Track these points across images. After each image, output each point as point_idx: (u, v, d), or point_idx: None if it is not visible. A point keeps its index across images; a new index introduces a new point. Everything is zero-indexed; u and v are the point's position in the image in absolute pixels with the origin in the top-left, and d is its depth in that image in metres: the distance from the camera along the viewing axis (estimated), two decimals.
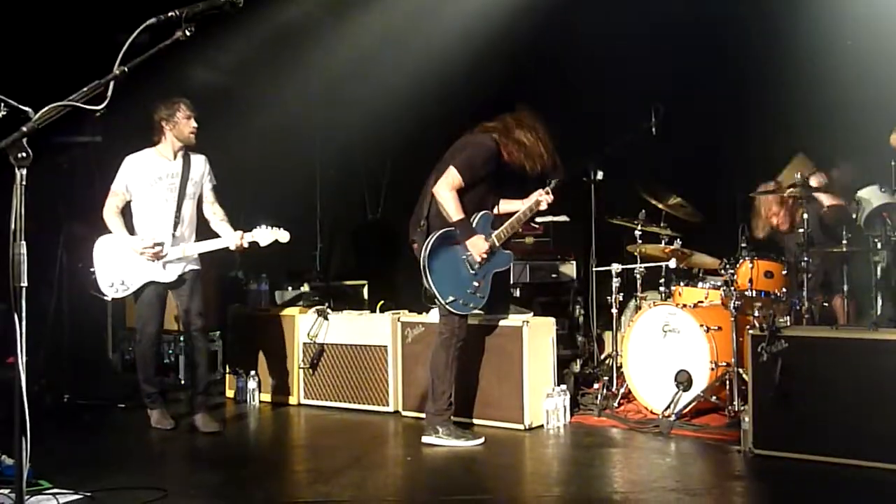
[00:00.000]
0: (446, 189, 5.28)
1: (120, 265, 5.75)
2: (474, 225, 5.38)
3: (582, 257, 7.78)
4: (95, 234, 5.87)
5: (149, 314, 5.83)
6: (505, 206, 5.74)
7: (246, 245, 5.76)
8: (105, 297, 5.80)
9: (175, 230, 5.75)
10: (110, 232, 5.75)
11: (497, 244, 5.45)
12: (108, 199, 5.74)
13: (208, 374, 6.08)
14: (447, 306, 5.29)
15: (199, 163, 5.94)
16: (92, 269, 5.78)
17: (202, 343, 5.96)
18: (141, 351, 5.91)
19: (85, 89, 2.52)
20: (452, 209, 5.28)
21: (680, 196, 6.91)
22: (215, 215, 5.98)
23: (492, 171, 5.42)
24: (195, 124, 5.81)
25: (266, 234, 5.75)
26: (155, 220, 5.75)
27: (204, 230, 5.95)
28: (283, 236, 5.81)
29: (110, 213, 5.70)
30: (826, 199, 6.47)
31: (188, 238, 5.85)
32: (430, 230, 5.31)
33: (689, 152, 7.87)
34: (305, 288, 7.29)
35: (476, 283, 5.36)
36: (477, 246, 5.36)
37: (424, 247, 5.23)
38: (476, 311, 5.49)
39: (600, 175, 7.14)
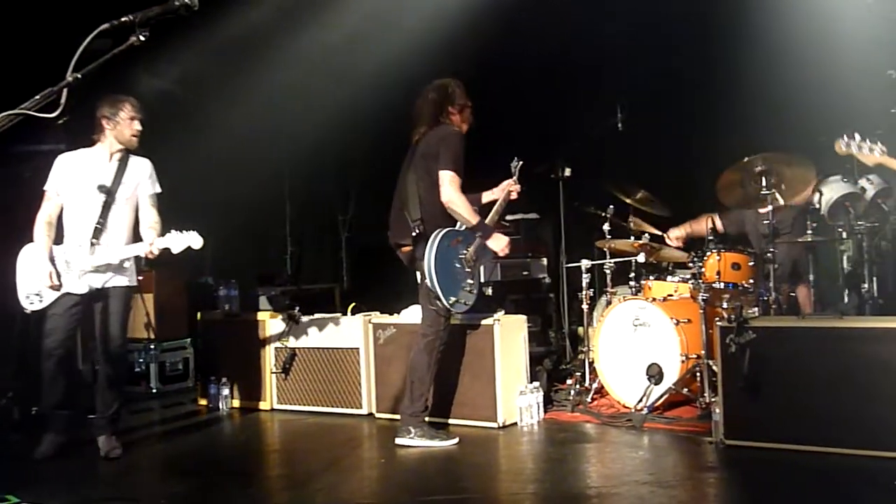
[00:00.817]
0: (457, 195, 5.22)
1: (36, 276, 5.28)
2: (463, 228, 5.36)
3: (553, 254, 7.79)
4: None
5: (53, 327, 5.30)
6: (485, 197, 5.74)
7: (156, 252, 5.28)
8: (26, 311, 5.35)
9: (96, 237, 5.29)
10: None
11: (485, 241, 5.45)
12: (42, 203, 5.33)
13: (116, 399, 5.55)
14: (450, 308, 5.28)
15: (140, 167, 5.51)
16: (16, 279, 5.40)
17: (113, 368, 5.49)
18: (44, 364, 5.32)
19: (37, 97, 2.48)
20: (469, 214, 5.27)
21: (647, 191, 6.94)
22: (144, 222, 5.51)
23: (467, 157, 5.41)
24: (139, 127, 5.40)
25: (178, 240, 5.28)
26: (77, 225, 5.31)
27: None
28: (196, 241, 5.29)
29: (41, 221, 5.30)
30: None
31: (117, 245, 5.38)
32: (427, 231, 5.26)
33: (655, 147, 7.91)
34: (275, 291, 7.23)
35: (470, 281, 5.35)
36: (500, 241, 5.38)
37: (429, 248, 5.16)
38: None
39: (568, 172, 7.16)
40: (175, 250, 5.28)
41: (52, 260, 5.27)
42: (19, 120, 2.49)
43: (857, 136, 4.75)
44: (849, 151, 4.83)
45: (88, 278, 5.33)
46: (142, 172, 5.52)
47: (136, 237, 5.46)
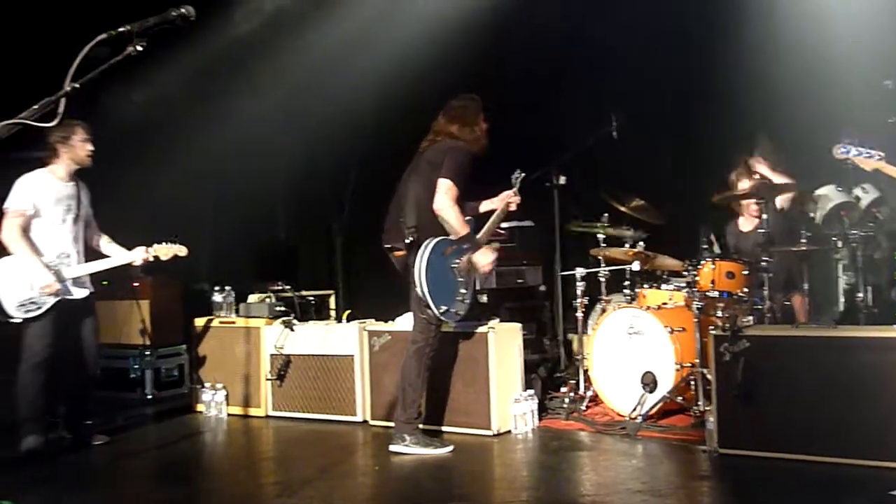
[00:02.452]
0: (448, 204, 5.23)
1: (28, 285, 5.50)
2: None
3: (547, 262, 7.80)
4: None
5: (42, 333, 5.52)
6: (483, 206, 5.76)
7: (151, 259, 5.88)
8: (12, 320, 5.48)
9: (74, 250, 5.71)
10: (6, 253, 5.54)
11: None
12: (8, 219, 5.50)
13: (91, 400, 6.02)
14: (441, 317, 5.29)
15: (85, 188, 5.88)
16: None
17: (91, 371, 5.89)
18: (25, 370, 5.49)
19: (36, 106, 2.49)
20: (458, 224, 5.27)
21: (642, 199, 6.96)
22: (101, 237, 6.02)
23: (470, 175, 5.43)
24: (91, 147, 5.73)
25: (166, 249, 5.91)
26: (53, 240, 5.63)
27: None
28: (182, 251, 5.97)
29: (17, 235, 5.47)
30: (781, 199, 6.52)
31: (80, 260, 5.77)
32: (421, 239, 5.26)
33: (650, 155, 7.94)
34: (270, 298, 7.23)
35: (463, 291, 5.36)
36: (486, 257, 5.38)
37: (419, 257, 5.17)
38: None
39: (563, 180, 7.17)
40: (163, 258, 5.90)
41: (48, 267, 5.53)
42: (18, 129, 2.50)
43: (856, 141, 4.76)
44: (847, 157, 4.85)
45: (77, 286, 5.72)
46: (87, 193, 5.91)
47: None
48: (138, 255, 5.85)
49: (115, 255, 5.93)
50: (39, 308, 5.50)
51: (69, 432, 5.86)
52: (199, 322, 7.31)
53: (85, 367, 5.86)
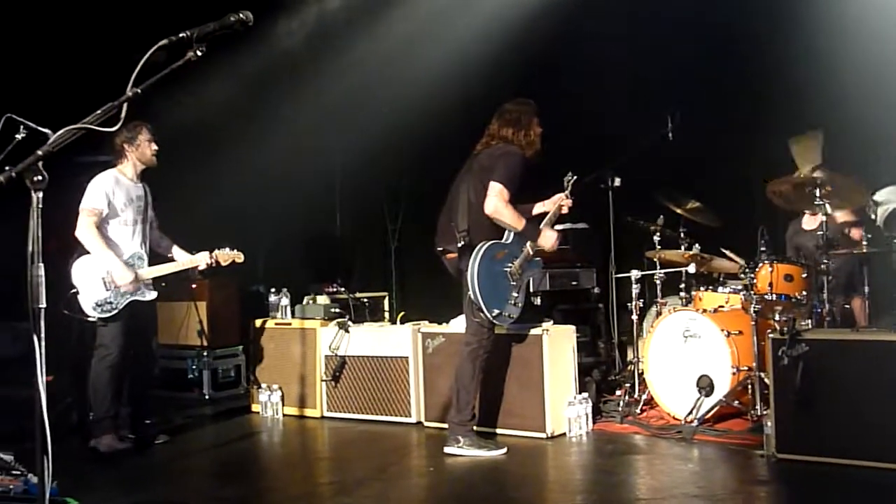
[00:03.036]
0: (501, 205, 5.27)
1: (103, 284, 5.62)
2: (510, 239, 5.38)
3: (602, 264, 7.75)
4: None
5: (116, 333, 5.66)
6: (536, 209, 5.76)
7: (213, 264, 6.04)
8: (89, 319, 5.60)
9: (145, 252, 5.85)
10: (86, 251, 5.62)
11: (531, 252, 5.46)
12: (84, 217, 5.58)
13: (149, 397, 6.23)
14: (494, 320, 5.31)
15: (148, 189, 5.98)
16: (74, 290, 5.59)
17: (151, 370, 6.24)
18: (101, 370, 5.65)
19: (99, 111, 2.55)
20: (514, 220, 5.31)
21: (699, 200, 6.89)
22: (164, 240, 6.16)
23: (523, 179, 5.43)
24: (156, 147, 5.86)
25: (227, 255, 6.09)
26: (127, 241, 5.75)
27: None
28: (240, 257, 6.16)
29: (94, 233, 5.57)
30: (840, 216, 6.38)
31: (148, 262, 5.87)
32: (473, 242, 5.29)
33: (706, 157, 7.85)
34: (326, 300, 7.30)
35: (516, 294, 5.37)
36: (549, 237, 5.44)
37: (472, 260, 5.20)
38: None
39: (618, 182, 7.13)
40: (223, 263, 6.07)
41: (127, 264, 5.67)
42: (81, 133, 2.56)
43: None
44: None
45: (148, 288, 5.84)
46: (149, 194, 6.01)
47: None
48: (202, 260, 6.00)
49: (180, 258, 6.07)
50: (115, 309, 5.63)
51: (132, 432, 5.95)
52: (256, 323, 7.40)
53: (147, 369, 6.08)
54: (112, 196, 5.67)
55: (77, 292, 5.59)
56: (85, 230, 5.57)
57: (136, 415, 6.01)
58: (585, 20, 8.03)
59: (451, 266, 5.49)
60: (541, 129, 5.56)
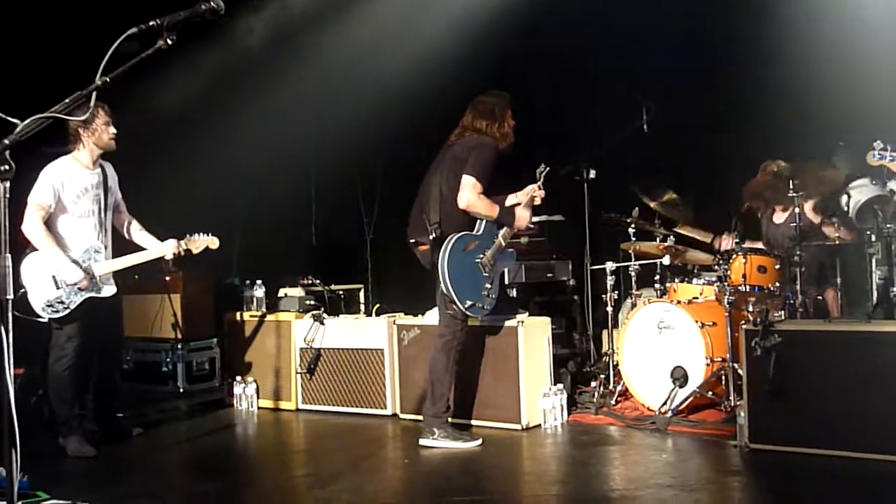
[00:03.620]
0: (475, 198, 5.28)
1: (54, 283, 5.34)
2: (482, 230, 5.39)
3: (577, 256, 7.77)
4: None
5: (73, 333, 5.41)
6: (508, 201, 5.75)
7: (182, 252, 5.77)
8: (40, 319, 5.30)
9: (104, 244, 5.56)
10: (33, 248, 5.33)
11: (503, 244, 5.46)
12: (30, 212, 5.27)
13: (117, 392, 6.12)
14: (467, 312, 5.31)
15: (112, 172, 5.71)
16: (22, 290, 5.26)
17: (116, 366, 6.06)
18: (58, 372, 5.41)
19: (67, 101, 2.52)
20: (489, 209, 5.35)
21: (674, 192, 6.91)
22: (132, 225, 5.87)
23: (496, 171, 5.43)
24: (114, 130, 5.54)
25: (198, 241, 5.83)
26: (81, 233, 5.45)
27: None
28: (214, 242, 5.89)
29: (40, 229, 5.26)
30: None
31: (109, 255, 5.60)
32: (445, 235, 5.28)
33: (681, 148, 7.88)
34: (300, 292, 7.28)
35: (489, 286, 5.37)
36: (523, 218, 5.49)
37: (442, 252, 5.19)
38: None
39: (593, 174, 7.15)
40: (195, 251, 5.79)
41: (76, 263, 5.38)
42: (49, 123, 2.53)
43: (889, 147, 4.69)
44: (881, 163, 4.77)
45: (107, 282, 5.56)
46: (114, 177, 5.73)
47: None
48: (170, 248, 5.73)
49: (147, 247, 5.78)
50: (67, 308, 5.35)
51: (97, 425, 5.83)
52: (230, 316, 7.37)
53: (112, 365, 5.93)
54: (62, 189, 5.36)
55: (25, 292, 5.28)
56: (31, 225, 5.27)
57: (104, 409, 5.88)
58: (560, 13, 8.02)
59: (423, 258, 5.47)
60: (514, 122, 5.55)
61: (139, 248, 5.81)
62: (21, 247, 5.35)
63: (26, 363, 5.96)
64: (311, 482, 4.79)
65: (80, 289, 5.37)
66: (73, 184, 5.43)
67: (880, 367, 4.55)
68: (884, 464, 4.44)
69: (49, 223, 5.36)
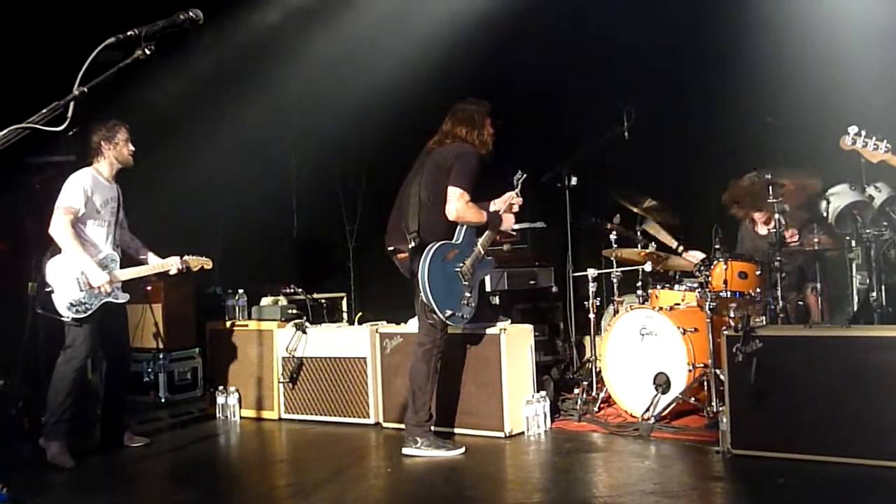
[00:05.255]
0: (464, 208, 5.29)
1: (78, 284, 5.49)
2: (461, 238, 5.39)
3: (559, 263, 7.78)
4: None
5: (84, 336, 5.53)
6: (490, 209, 5.74)
7: (184, 269, 5.98)
8: (62, 318, 5.47)
9: (118, 254, 5.74)
10: (55, 250, 5.51)
11: (483, 252, 5.46)
12: (60, 215, 5.43)
13: (125, 399, 6.21)
14: (447, 321, 5.30)
15: (120, 191, 5.87)
16: (48, 289, 5.47)
17: (125, 373, 6.17)
18: (67, 372, 5.50)
19: (44, 110, 2.50)
20: (478, 217, 5.39)
21: (654, 199, 6.94)
22: (133, 241, 6.05)
23: (479, 179, 5.44)
24: (133, 147, 5.79)
25: (196, 261, 6.08)
26: (99, 242, 5.64)
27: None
28: (208, 263, 6.17)
29: (69, 233, 5.42)
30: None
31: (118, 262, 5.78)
32: (423, 243, 5.27)
33: (662, 155, 7.91)
34: (282, 301, 7.26)
35: (468, 294, 5.36)
36: (508, 220, 5.58)
37: (422, 262, 5.18)
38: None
39: (574, 181, 7.16)
40: (194, 269, 6.05)
41: (102, 267, 5.56)
42: (26, 133, 2.51)
43: (863, 132, 4.70)
44: (854, 148, 4.78)
45: (120, 289, 5.73)
46: (121, 195, 5.88)
47: None
48: (174, 264, 5.92)
49: (152, 261, 5.97)
50: (88, 310, 5.50)
51: (103, 431, 5.92)
52: (212, 325, 7.33)
53: (122, 371, 6.04)
54: (90, 195, 5.54)
55: (52, 291, 5.46)
56: (60, 228, 5.42)
57: (111, 416, 5.95)
58: (541, 19, 8.06)
59: (402, 266, 5.46)
60: (493, 130, 5.56)
61: (141, 262, 6.00)
62: (40, 248, 5.62)
63: (6, 375, 5.93)
64: (293, 492, 4.78)
65: (103, 292, 5.53)
66: (98, 192, 5.62)
67: (861, 371, 4.57)
68: (865, 468, 4.46)
69: (75, 227, 5.51)
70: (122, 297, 5.74)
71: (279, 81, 8.89)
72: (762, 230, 6.72)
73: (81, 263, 5.47)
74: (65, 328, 5.52)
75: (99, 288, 5.50)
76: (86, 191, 5.52)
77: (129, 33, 2.60)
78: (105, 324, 5.67)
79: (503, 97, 6.00)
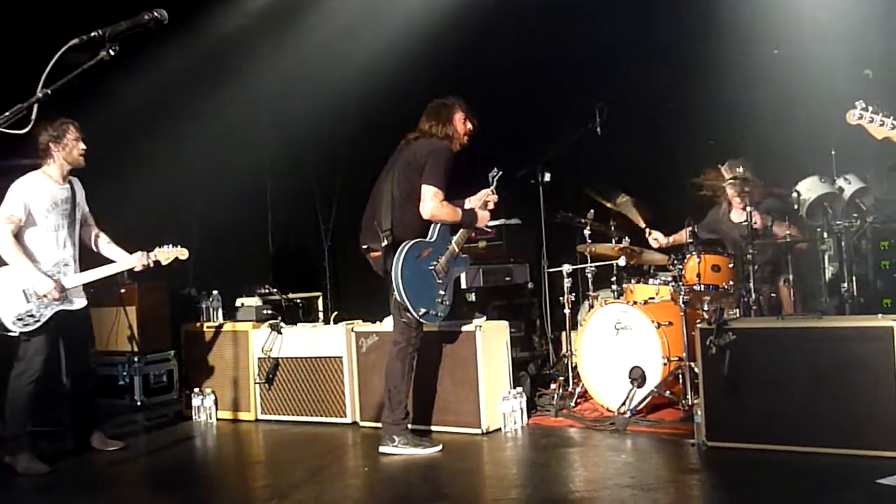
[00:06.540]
0: (438, 207, 5.29)
1: (24, 296, 5.33)
2: (435, 236, 5.38)
3: (534, 259, 7.80)
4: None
5: (39, 346, 5.36)
6: (466, 206, 5.74)
7: (151, 264, 5.75)
8: (10, 334, 5.29)
9: (73, 258, 5.58)
10: (1, 262, 5.34)
11: (457, 250, 5.46)
12: (0, 226, 5.28)
13: (94, 405, 6.05)
14: (420, 319, 5.30)
15: (79, 187, 5.72)
16: None
17: (90, 380, 5.97)
18: (20, 386, 5.32)
19: (7, 113, 2.48)
20: (453, 215, 5.40)
21: (628, 194, 6.96)
22: (100, 238, 5.88)
23: (452, 174, 5.43)
24: (84, 146, 5.59)
25: (167, 252, 5.80)
26: (50, 250, 5.46)
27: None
28: (183, 253, 5.87)
29: (10, 243, 5.26)
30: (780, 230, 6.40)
31: (77, 268, 5.61)
32: (396, 241, 5.26)
33: (635, 151, 7.94)
34: (257, 301, 7.22)
35: (442, 292, 5.35)
36: (485, 216, 5.59)
37: (396, 260, 5.16)
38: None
39: (548, 177, 7.18)
40: (164, 262, 5.77)
41: (46, 275, 5.38)
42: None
43: (870, 108, 4.68)
44: (859, 122, 4.76)
45: (76, 295, 5.57)
46: (81, 191, 5.75)
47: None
48: (138, 261, 5.72)
49: (115, 260, 5.77)
50: (38, 321, 5.33)
51: (75, 438, 5.86)
52: (187, 327, 7.29)
53: (86, 381, 5.89)
54: (32, 203, 5.37)
55: None
56: (0, 238, 5.28)
57: (81, 423, 5.89)
58: (515, 14, 8.06)
59: (375, 264, 5.45)
60: (469, 126, 5.56)
61: (107, 261, 5.80)
62: None
63: None
64: (271, 493, 4.76)
65: (52, 300, 5.36)
66: (43, 198, 5.45)
67: (832, 362, 4.61)
68: (839, 457, 4.50)
69: (18, 237, 5.36)
70: (79, 303, 5.57)
71: (253, 79, 8.85)
72: (736, 217, 6.73)
73: (24, 273, 5.30)
74: (18, 344, 5.35)
75: (45, 296, 5.33)
76: (25, 200, 5.35)
77: (92, 34, 2.58)
78: (65, 335, 5.56)
79: (478, 94, 5.99)
